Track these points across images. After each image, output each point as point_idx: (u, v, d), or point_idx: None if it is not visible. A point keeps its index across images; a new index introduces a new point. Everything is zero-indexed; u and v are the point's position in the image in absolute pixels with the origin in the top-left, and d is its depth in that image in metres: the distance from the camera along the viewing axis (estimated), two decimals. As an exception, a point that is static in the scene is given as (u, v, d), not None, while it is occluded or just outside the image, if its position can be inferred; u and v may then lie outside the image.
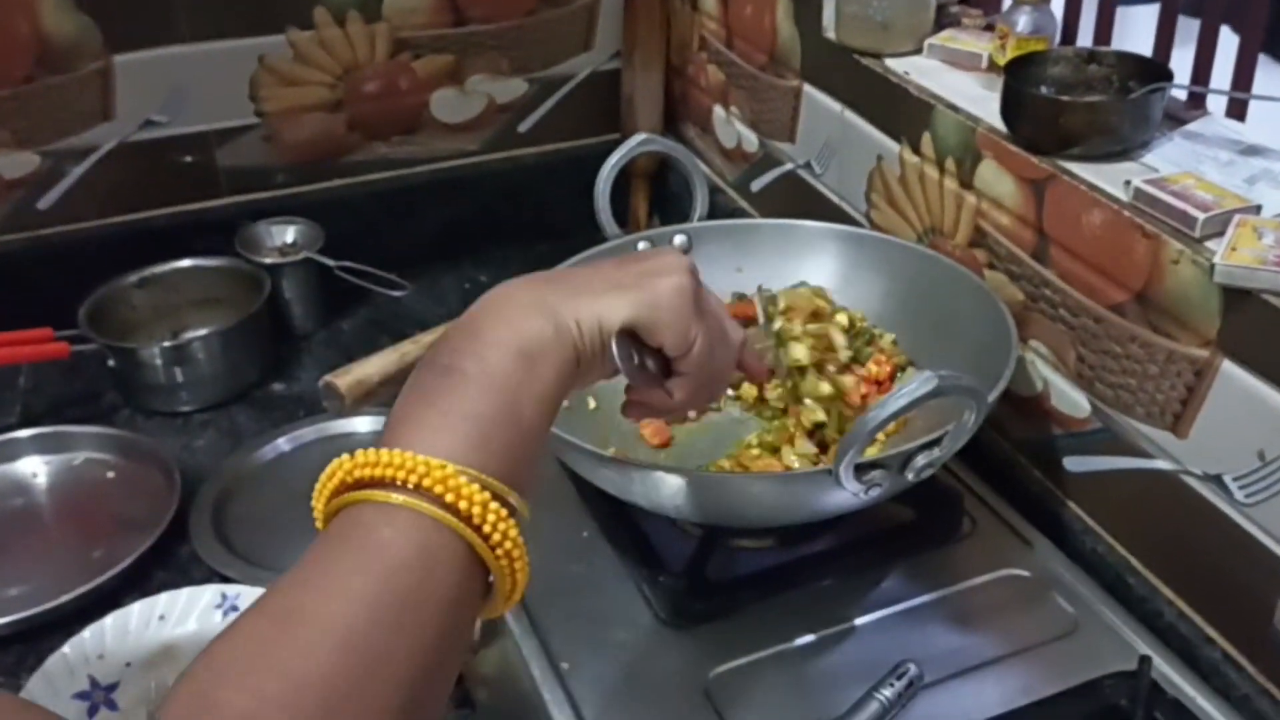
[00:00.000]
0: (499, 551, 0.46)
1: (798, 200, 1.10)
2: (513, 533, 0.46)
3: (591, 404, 0.85)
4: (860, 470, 0.65)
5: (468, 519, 0.45)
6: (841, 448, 0.63)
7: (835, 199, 1.05)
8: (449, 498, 0.45)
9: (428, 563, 0.44)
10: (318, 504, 0.48)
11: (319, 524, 0.47)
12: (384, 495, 0.45)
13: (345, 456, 0.46)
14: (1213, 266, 0.65)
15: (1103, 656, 0.69)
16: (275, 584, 0.44)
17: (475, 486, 0.45)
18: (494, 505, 0.46)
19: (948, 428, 0.67)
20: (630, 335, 0.55)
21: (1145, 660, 0.66)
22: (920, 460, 0.67)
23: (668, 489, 0.69)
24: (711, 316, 0.60)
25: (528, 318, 0.51)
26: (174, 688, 0.41)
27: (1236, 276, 0.64)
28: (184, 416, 1.15)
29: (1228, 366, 0.66)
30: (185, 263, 1.23)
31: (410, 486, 0.45)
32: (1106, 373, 0.76)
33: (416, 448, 0.46)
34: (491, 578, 0.47)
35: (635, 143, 0.90)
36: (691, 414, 0.86)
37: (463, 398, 0.48)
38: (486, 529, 0.45)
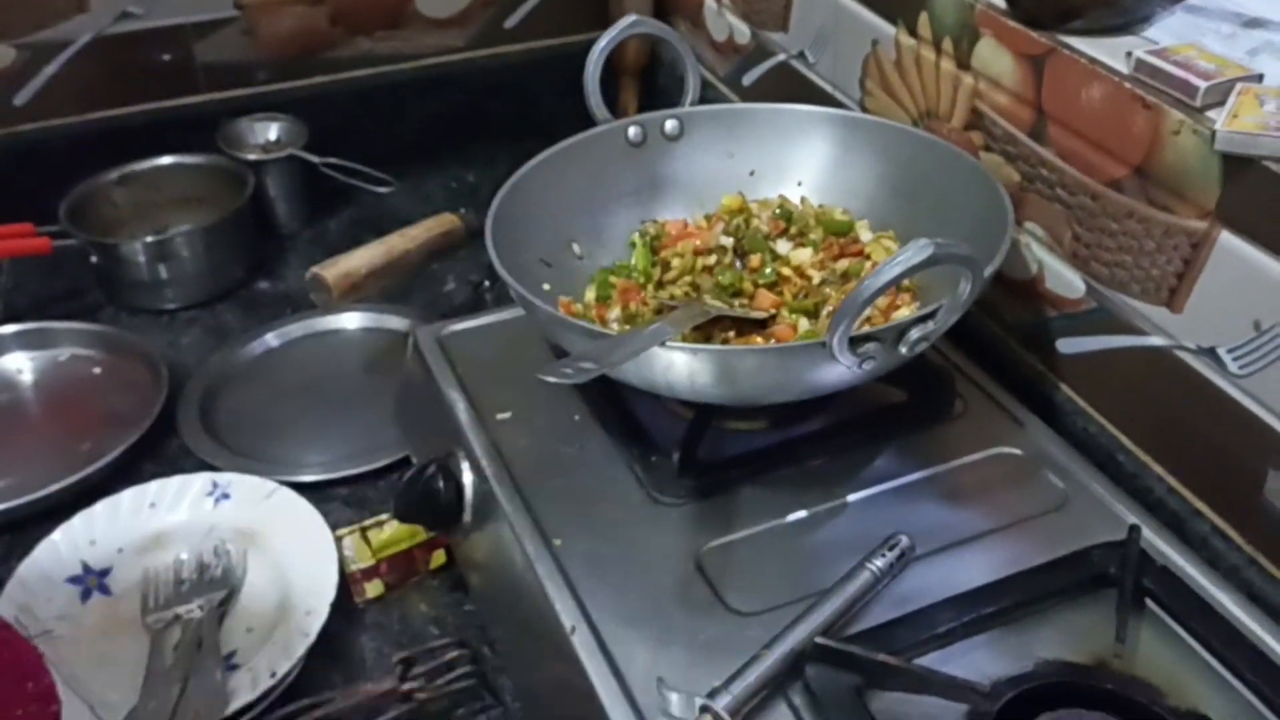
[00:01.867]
0: None
1: (791, 92, 1.08)
2: None
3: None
4: (854, 343, 0.64)
5: None
6: (835, 319, 0.63)
7: (829, 88, 1.03)
8: None
9: None
10: None
11: None
12: None
13: None
14: (1214, 134, 0.64)
15: (1092, 529, 0.70)
16: None
17: None
18: None
19: (942, 301, 0.66)
20: None
21: (1135, 529, 0.67)
22: (914, 333, 0.67)
23: (660, 364, 0.68)
24: None
25: None
26: None
27: (1238, 143, 0.63)
28: (169, 314, 1.14)
29: (1225, 237, 0.66)
30: (166, 160, 1.21)
31: None
32: (1102, 250, 0.75)
33: None
34: None
35: (626, 24, 0.88)
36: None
37: None
38: None
